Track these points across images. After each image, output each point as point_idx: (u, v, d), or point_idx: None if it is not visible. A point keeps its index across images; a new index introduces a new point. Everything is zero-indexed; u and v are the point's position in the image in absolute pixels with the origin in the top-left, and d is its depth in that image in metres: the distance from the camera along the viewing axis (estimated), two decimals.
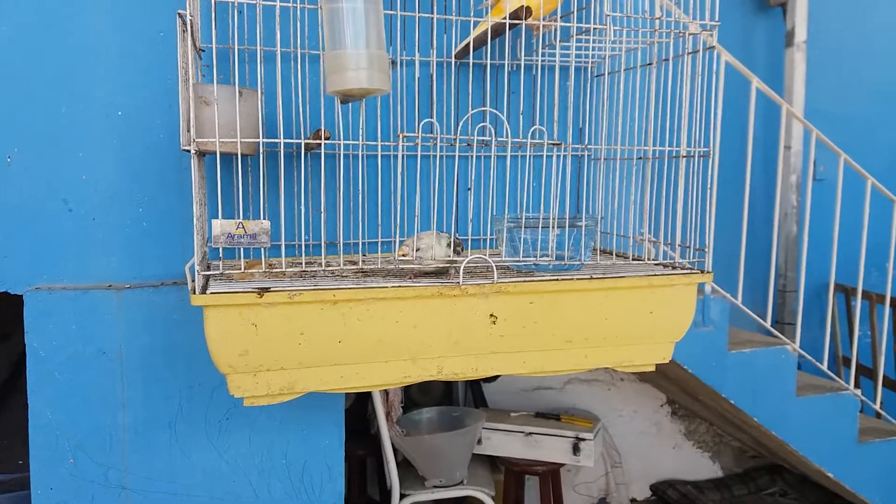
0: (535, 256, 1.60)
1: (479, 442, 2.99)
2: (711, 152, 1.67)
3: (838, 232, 2.72)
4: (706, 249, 1.68)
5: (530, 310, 1.59)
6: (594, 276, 1.61)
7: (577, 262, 1.64)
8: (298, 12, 1.54)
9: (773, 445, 2.99)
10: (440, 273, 1.65)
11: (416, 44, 1.87)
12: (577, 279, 1.59)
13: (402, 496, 2.71)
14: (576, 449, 2.98)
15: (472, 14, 1.80)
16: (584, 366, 1.67)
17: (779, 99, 2.59)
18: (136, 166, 1.86)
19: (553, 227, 1.60)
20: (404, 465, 2.84)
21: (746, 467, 3.91)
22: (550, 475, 3.09)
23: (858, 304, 2.85)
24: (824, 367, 2.77)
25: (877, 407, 2.94)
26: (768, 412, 2.66)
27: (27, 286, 1.82)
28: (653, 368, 1.72)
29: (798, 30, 3.56)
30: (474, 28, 1.82)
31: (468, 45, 1.78)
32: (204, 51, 1.78)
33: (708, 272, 1.66)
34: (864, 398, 2.81)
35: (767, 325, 2.69)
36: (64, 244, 1.84)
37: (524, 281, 1.57)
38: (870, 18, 3.81)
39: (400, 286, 1.52)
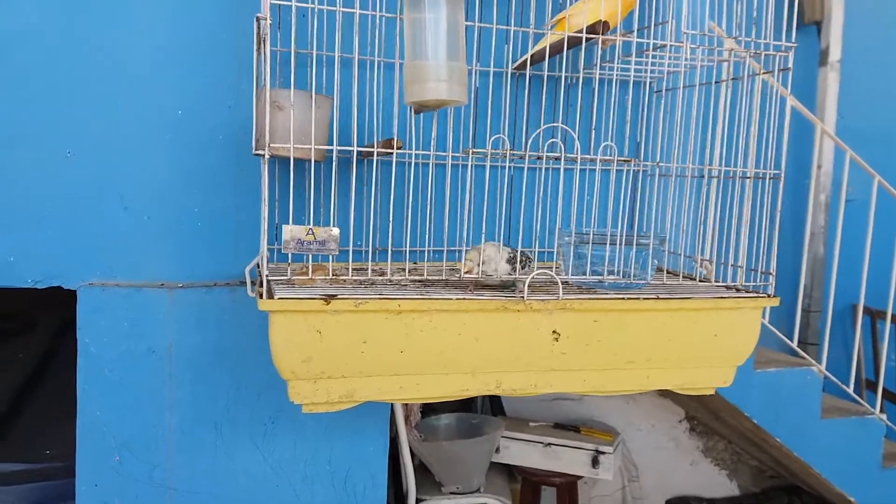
0: (601, 273, 1.59)
1: (497, 450, 2.97)
2: (782, 174, 1.65)
3: (863, 253, 2.71)
4: (772, 273, 1.67)
5: (594, 328, 1.58)
6: (661, 296, 1.59)
7: (643, 281, 1.63)
8: (377, 20, 1.53)
9: (795, 467, 2.97)
10: (503, 287, 1.63)
11: (491, 54, 1.85)
12: (644, 299, 1.57)
13: (418, 501, 2.69)
14: (595, 462, 2.95)
15: (548, 27, 1.79)
16: (645, 387, 1.65)
17: (814, 118, 2.57)
18: (193, 165, 1.85)
19: (620, 244, 1.58)
20: (421, 469, 2.82)
21: (764, 487, 3.88)
22: (568, 487, 3.07)
23: (888, 327, 2.83)
24: (850, 389, 2.76)
25: None
26: (791, 433, 2.64)
27: (81, 281, 1.80)
28: (713, 391, 1.71)
29: (832, 49, 3.54)
30: (540, 41, 1.80)
31: (535, 55, 1.77)
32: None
33: (774, 296, 1.64)
34: (888, 423, 2.79)
35: (794, 345, 2.67)
36: (118, 241, 1.83)
37: (590, 298, 1.55)
38: None
39: (464, 298, 1.51)
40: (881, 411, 2.75)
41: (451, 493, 2.75)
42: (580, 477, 3.04)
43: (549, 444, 3.00)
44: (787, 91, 1.62)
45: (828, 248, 3.49)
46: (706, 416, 3.46)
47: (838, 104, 3.54)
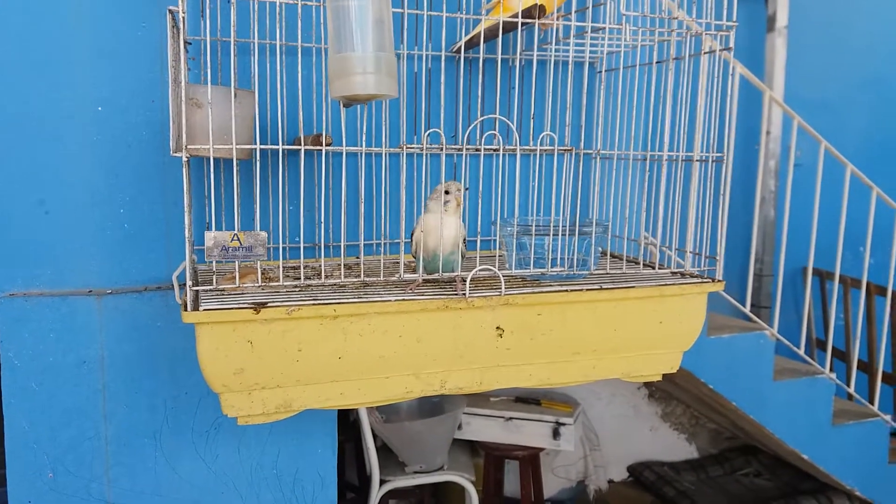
0: (544, 264, 1.54)
1: (460, 427, 2.97)
2: (725, 157, 1.61)
3: (812, 216, 2.72)
4: (717, 258, 1.63)
5: (538, 322, 1.53)
6: (604, 286, 1.55)
7: (586, 272, 1.58)
8: (297, 8, 1.44)
9: (750, 428, 3.01)
10: (445, 281, 1.58)
11: (426, 38, 1.77)
12: (588, 290, 1.53)
13: (382, 482, 2.69)
14: (556, 433, 2.98)
15: (483, 12, 1.71)
16: (592, 377, 1.62)
17: (762, 85, 2.56)
18: (118, 165, 1.75)
19: (562, 234, 1.53)
20: (384, 450, 2.81)
21: (722, 448, 3.95)
22: (530, 459, 3.11)
23: (836, 288, 2.86)
24: (801, 351, 2.79)
25: (850, 390, 2.97)
26: (746, 396, 2.67)
27: (0, 293, 1.71)
28: (660, 378, 1.68)
29: (779, 14, 3.55)
30: (477, 25, 1.73)
31: (473, 38, 1.70)
32: (191, 43, 1.66)
33: (719, 281, 1.61)
34: (838, 381, 2.84)
35: (746, 310, 2.68)
36: (40, 248, 1.72)
37: (533, 292, 1.51)
38: (851, 3, 3.79)
39: (404, 300, 1.45)
40: (831, 370, 2.80)
41: (415, 472, 2.76)
42: (542, 449, 3.07)
43: (511, 418, 3.03)
44: (731, 73, 1.57)
45: (778, 213, 3.50)
46: (664, 383, 3.49)
47: (786, 70, 3.55)
